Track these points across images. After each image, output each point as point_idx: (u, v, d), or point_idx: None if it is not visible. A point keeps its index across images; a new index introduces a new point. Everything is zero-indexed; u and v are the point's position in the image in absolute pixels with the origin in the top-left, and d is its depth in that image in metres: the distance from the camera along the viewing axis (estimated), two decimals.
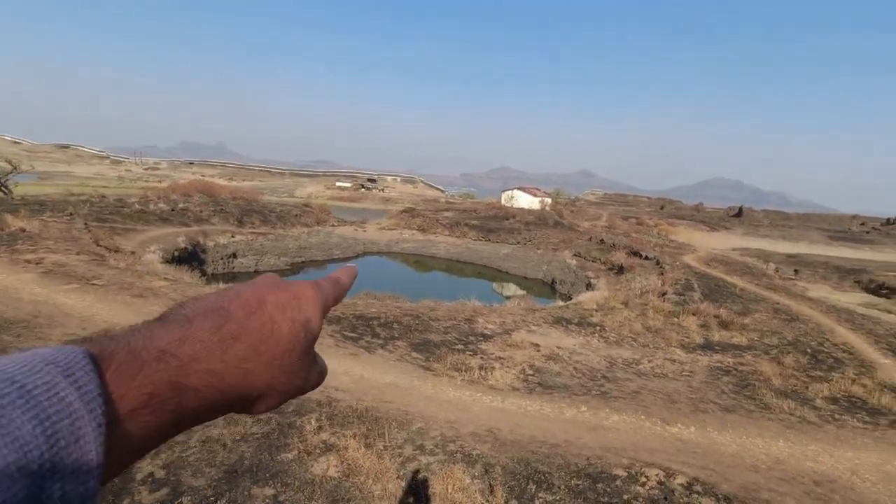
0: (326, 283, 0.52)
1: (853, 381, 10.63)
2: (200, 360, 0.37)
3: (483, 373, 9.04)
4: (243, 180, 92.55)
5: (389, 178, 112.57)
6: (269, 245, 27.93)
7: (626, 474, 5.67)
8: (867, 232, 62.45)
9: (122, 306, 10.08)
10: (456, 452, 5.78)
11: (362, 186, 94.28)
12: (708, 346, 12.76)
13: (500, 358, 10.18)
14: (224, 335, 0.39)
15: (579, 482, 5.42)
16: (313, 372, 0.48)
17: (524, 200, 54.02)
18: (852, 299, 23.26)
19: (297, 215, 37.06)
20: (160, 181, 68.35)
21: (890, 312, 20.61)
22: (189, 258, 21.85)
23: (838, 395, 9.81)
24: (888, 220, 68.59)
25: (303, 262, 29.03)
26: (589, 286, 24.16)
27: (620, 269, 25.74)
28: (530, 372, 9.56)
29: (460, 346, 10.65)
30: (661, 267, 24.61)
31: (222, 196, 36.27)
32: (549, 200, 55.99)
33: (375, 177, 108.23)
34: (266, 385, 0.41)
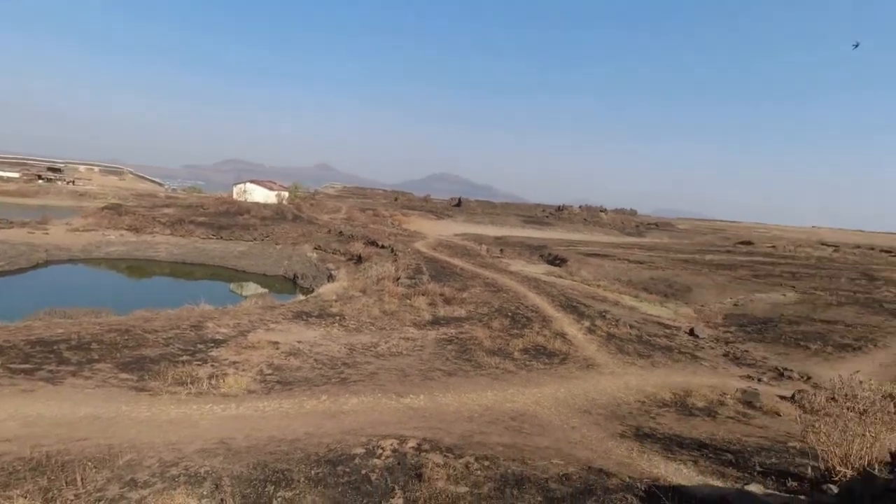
0: None
1: (538, 333, 13.47)
2: None
3: (214, 382, 8.24)
4: None
5: (83, 168, 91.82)
6: None
7: (364, 451, 5.94)
8: (546, 216, 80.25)
9: None
10: (178, 476, 5.10)
11: (40, 177, 74.42)
12: (436, 322, 14.36)
13: (235, 362, 9.44)
14: None
15: (319, 470, 5.44)
16: None
17: (259, 194, 50.91)
18: (538, 270, 29.41)
19: None
20: None
21: (562, 278, 26.83)
22: None
23: (529, 346, 12.28)
24: (559, 207, 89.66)
25: None
26: (330, 278, 24.43)
27: (359, 259, 26.80)
28: (269, 371, 9.14)
29: (186, 357, 9.46)
30: (395, 254, 26.56)
31: None
32: (286, 194, 54.15)
33: (61, 165, 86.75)
34: None
